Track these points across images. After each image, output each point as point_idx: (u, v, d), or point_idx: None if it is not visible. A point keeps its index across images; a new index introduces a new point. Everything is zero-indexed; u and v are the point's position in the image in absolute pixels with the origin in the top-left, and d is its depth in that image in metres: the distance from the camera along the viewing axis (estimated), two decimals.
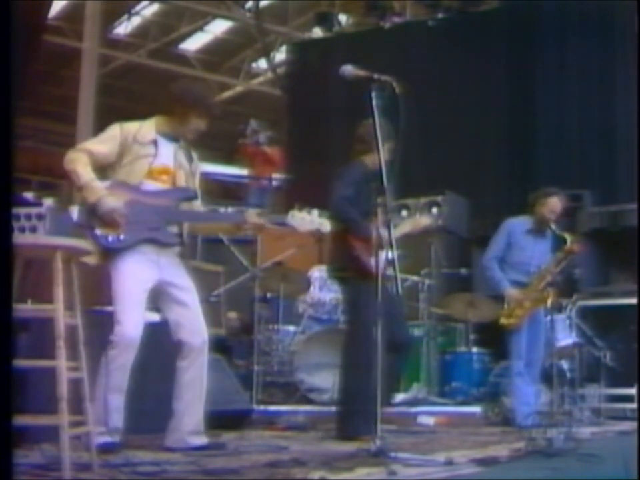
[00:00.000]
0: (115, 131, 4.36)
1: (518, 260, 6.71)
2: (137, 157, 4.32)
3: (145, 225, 4.26)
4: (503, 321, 6.59)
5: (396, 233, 5.79)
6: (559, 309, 7.69)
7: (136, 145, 4.32)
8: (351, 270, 5.25)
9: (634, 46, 9.94)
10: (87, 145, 4.36)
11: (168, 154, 4.41)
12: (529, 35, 11.98)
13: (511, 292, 6.63)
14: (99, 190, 4.19)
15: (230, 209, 4.74)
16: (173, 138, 4.46)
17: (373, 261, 5.16)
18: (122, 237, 4.21)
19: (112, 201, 4.17)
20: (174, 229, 4.40)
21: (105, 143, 4.32)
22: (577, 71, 11.50)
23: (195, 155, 4.60)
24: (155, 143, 4.37)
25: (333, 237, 5.39)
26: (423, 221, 6.02)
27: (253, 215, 4.53)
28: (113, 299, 4.21)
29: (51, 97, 19.13)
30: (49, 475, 3.30)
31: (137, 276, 4.22)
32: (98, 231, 4.19)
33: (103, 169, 4.31)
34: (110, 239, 4.19)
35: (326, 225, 4.50)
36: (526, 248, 6.67)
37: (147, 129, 4.40)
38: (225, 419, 5.39)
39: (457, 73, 12.12)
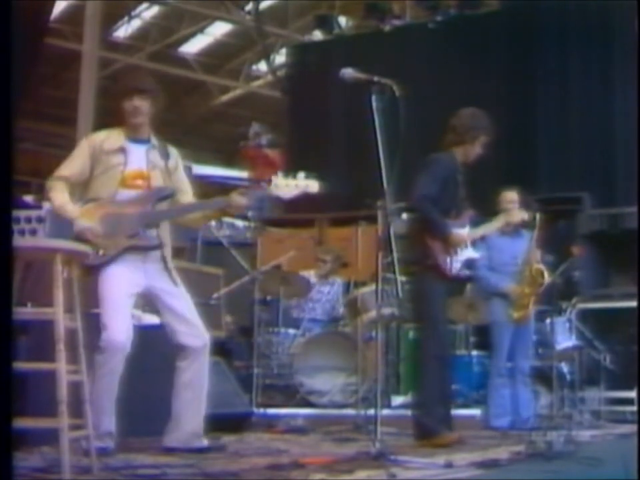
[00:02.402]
0: (83, 147, 4.37)
1: (500, 262, 6.75)
2: (108, 167, 4.30)
3: (123, 234, 4.25)
4: (515, 315, 6.63)
5: (490, 228, 5.91)
6: (559, 311, 7.70)
7: (104, 156, 4.31)
8: (423, 267, 5.22)
9: (634, 47, 9.94)
10: (60, 170, 4.34)
11: (139, 158, 4.37)
12: (528, 36, 11.98)
13: (512, 288, 6.69)
14: (71, 212, 4.18)
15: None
16: (142, 140, 4.42)
17: (448, 262, 5.21)
18: (101, 252, 4.21)
19: (84, 221, 4.17)
20: (154, 232, 4.35)
21: (75, 163, 4.33)
22: (577, 73, 11.49)
23: (173, 151, 4.54)
24: (122, 150, 4.34)
25: (409, 229, 5.42)
26: (517, 215, 6.07)
27: (234, 197, 4.40)
28: (100, 305, 4.21)
29: (51, 99, 19.14)
30: (49, 477, 3.30)
31: (122, 280, 4.22)
32: None
33: (84, 186, 4.33)
34: (90, 257, 4.14)
35: (313, 186, 4.35)
36: (504, 248, 6.71)
37: (114, 137, 4.39)
38: (225, 422, 5.38)
39: (457, 75, 12.11)
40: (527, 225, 6.69)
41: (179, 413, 4.37)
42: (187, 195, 4.59)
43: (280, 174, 4.33)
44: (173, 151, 4.54)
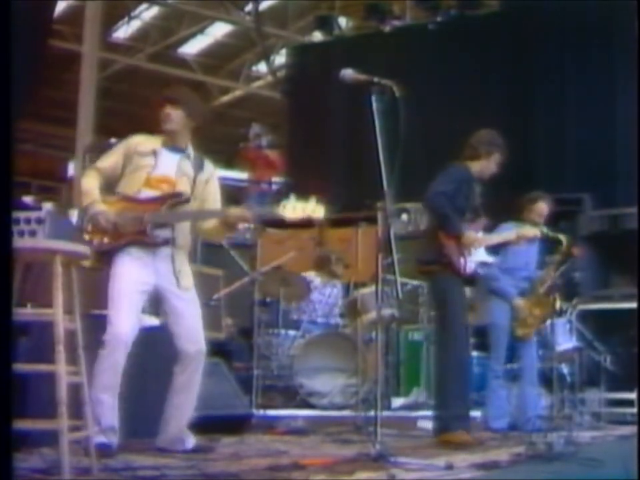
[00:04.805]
0: (120, 146, 4.59)
1: (513, 266, 6.73)
2: (137, 168, 4.49)
3: (131, 229, 4.38)
4: (519, 332, 6.64)
5: (501, 238, 5.98)
6: (559, 312, 7.70)
7: (136, 156, 4.50)
8: (439, 267, 5.35)
9: (634, 49, 9.95)
10: (97, 162, 4.61)
11: (170, 164, 4.54)
12: (528, 37, 11.99)
13: (520, 302, 6.66)
14: (92, 195, 4.40)
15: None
16: (178, 149, 4.58)
17: (462, 261, 5.31)
18: (106, 240, 4.35)
19: (100, 205, 4.37)
20: (164, 232, 4.45)
21: (109, 158, 4.57)
22: (577, 74, 11.50)
23: (209, 166, 4.70)
24: (154, 153, 4.51)
25: (425, 231, 5.63)
26: (530, 232, 6.18)
27: (237, 210, 4.55)
28: (108, 300, 4.31)
29: (50, 100, 19.14)
30: (49, 479, 3.30)
31: (130, 277, 4.32)
32: (85, 236, 4.36)
33: (115, 182, 4.53)
34: (95, 242, 4.33)
35: (319, 212, 4.41)
36: (520, 254, 6.69)
37: (150, 141, 4.58)
38: (225, 423, 5.39)
39: (456, 76, 12.12)
40: (550, 240, 6.73)
41: (168, 416, 4.46)
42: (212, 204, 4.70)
43: (292, 197, 4.41)
44: (209, 166, 4.71)
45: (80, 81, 15.48)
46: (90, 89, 15.28)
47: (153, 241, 4.42)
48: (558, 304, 6.79)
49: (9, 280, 3.00)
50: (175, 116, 4.52)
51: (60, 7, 16.85)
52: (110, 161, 4.54)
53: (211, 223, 4.64)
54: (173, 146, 4.57)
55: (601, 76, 11.23)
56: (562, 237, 6.77)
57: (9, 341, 2.88)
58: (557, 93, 11.59)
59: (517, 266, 6.74)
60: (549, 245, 6.91)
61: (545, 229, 6.75)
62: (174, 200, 4.51)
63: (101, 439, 3.99)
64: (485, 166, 5.67)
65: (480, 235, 5.58)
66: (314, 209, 4.40)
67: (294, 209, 4.38)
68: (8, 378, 2.81)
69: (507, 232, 6.30)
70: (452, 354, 5.31)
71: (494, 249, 6.63)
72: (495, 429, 6.38)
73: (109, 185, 4.51)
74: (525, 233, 6.19)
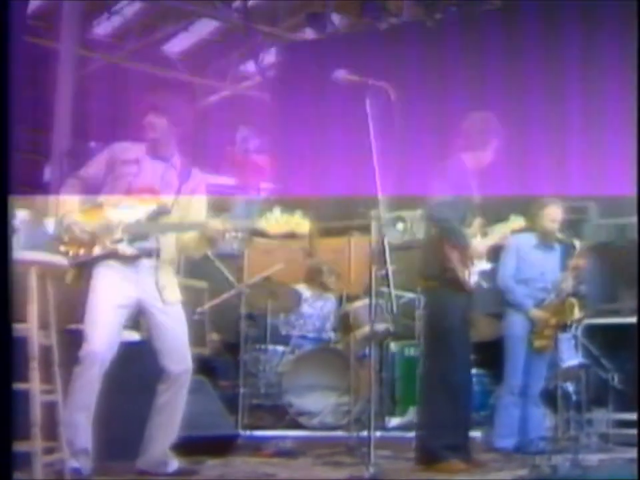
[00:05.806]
0: (103, 153, 4.65)
1: (529, 276, 6.76)
2: (119, 176, 4.53)
3: (108, 240, 4.41)
4: (537, 344, 6.65)
5: (488, 242, 5.89)
6: (563, 327, 7.70)
7: (119, 165, 4.55)
8: (443, 281, 5.26)
9: (634, 48, 10.01)
10: (80, 170, 4.67)
11: (153, 173, 4.58)
12: (528, 36, 12.04)
13: (537, 313, 6.69)
14: (69, 204, 4.48)
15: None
16: (162, 157, 4.61)
17: (467, 273, 5.22)
18: (81, 251, 4.37)
19: (74, 215, 4.43)
20: (148, 244, 4.47)
21: (92, 166, 4.64)
22: (580, 73, 11.54)
23: (196, 175, 4.71)
24: (137, 162, 4.55)
25: (428, 242, 5.45)
26: (515, 224, 6.08)
27: (217, 222, 4.52)
28: (86, 314, 4.34)
29: (26, 101, 19.11)
30: None
31: (109, 291, 4.36)
32: (62, 248, 4.39)
33: (97, 190, 4.57)
34: (71, 254, 4.37)
35: (304, 226, 4.43)
36: (535, 263, 6.72)
37: (134, 149, 4.61)
38: (209, 444, 5.38)
39: (455, 76, 12.15)
40: (564, 242, 6.72)
41: (150, 436, 4.48)
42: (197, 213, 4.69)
43: (276, 210, 4.42)
44: (197, 175, 4.72)
45: (56, 80, 15.45)
46: (67, 89, 15.26)
47: (129, 253, 4.42)
48: (577, 311, 6.79)
49: (7, 295, 2.98)
50: (158, 124, 4.54)
51: (35, 2, 16.86)
52: (91, 169, 4.60)
53: (189, 235, 4.61)
54: (157, 154, 4.60)
55: (605, 76, 11.27)
56: (576, 242, 6.80)
57: (7, 360, 2.88)
58: (559, 94, 11.62)
59: (533, 276, 6.77)
60: (564, 252, 6.93)
61: (559, 235, 6.77)
62: (154, 211, 4.52)
63: (72, 463, 3.99)
64: (481, 156, 5.47)
65: (478, 239, 5.50)
66: (298, 222, 4.42)
67: (277, 222, 4.39)
68: (8, 398, 2.81)
69: (493, 235, 6.19)
70: (449, 375, 5.21)
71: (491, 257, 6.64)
72: (499, 448, 6.37)
73: (91, 194, 4.55)
74: (505, 229, 6.10)
